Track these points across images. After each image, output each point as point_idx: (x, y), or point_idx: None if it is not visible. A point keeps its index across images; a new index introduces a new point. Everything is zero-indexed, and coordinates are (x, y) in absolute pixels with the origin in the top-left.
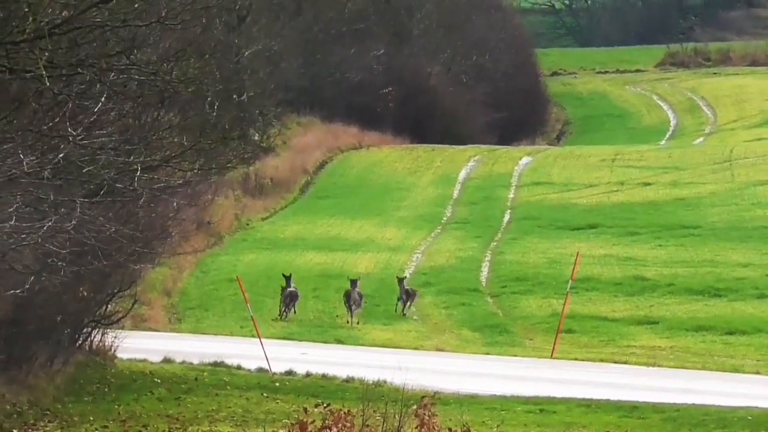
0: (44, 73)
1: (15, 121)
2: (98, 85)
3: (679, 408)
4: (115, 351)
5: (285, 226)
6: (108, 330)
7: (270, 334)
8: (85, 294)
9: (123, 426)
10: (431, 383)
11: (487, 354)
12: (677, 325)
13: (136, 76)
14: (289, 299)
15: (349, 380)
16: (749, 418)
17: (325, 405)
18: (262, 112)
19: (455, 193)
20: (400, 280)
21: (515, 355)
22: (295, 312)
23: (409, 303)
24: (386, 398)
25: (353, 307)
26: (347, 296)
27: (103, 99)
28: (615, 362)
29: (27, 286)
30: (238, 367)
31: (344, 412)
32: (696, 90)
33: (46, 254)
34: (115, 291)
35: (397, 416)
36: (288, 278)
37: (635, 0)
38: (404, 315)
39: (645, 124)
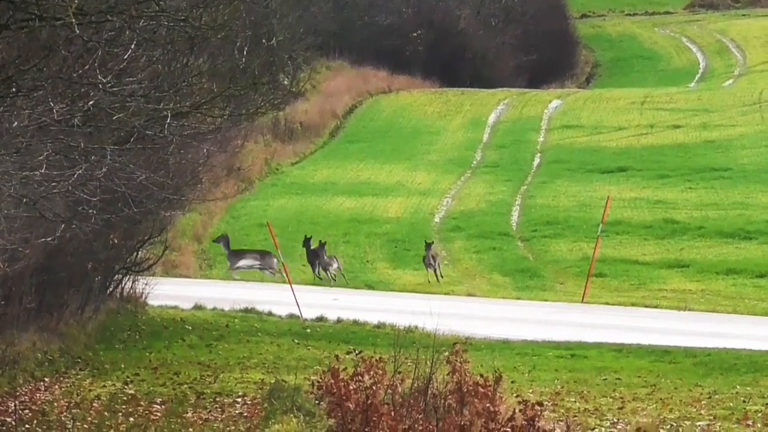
0: (74, 20)
1: (45, 69)
2: (128, 32)
3: (711, 352)
4: (146, 298)
5: (315, 171)
6: (139, 277)
7: (300, 280)
8: (116, 241)
9: (154, 373)
10: (462, 328)
11: (518, 299)
12: (708, 268)
13: (166, 23)
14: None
15: (380, 326)
16: None
17: (357, 351)
18: (292, 56)
19: (485, 137)
20: (428, 245)
21: (546, 300)
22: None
23: (433, 268)
24: (418, 344)
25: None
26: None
27: (132, 46)
28: (646, 306)
29: (58, 234)
30: (269, 314)
31: (376, 359)
32: (725, 32)
33: (76, 202)
34: (146, 238)
35: (428, 362)
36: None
37: None
38: (432, 281)
39: (674, 66)
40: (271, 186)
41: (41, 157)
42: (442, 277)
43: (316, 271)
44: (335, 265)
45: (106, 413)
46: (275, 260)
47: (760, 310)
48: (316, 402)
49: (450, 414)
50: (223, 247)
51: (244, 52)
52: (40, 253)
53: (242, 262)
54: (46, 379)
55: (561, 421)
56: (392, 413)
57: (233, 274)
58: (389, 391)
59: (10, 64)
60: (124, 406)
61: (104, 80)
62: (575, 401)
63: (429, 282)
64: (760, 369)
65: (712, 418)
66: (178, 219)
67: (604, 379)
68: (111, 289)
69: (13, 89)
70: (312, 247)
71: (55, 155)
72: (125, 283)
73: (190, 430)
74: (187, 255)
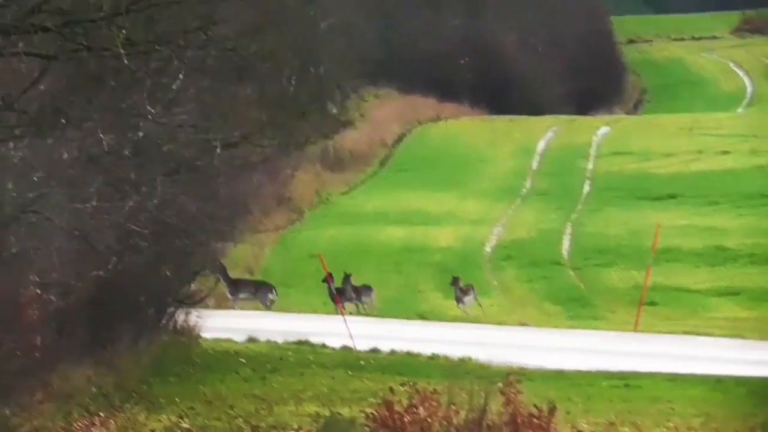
0: (122, 50)
1: (94, 100)
2: (176, 62)
3: (764, 381)
4: (199, 330)
5: (365, 201)
6: (192, 309)
7: (353, 310)
8: (168, 273)
9: (209, 407)
10: (515, 358)
11: (570, 328)
12: (760, 295)
13: (214, 52)
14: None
15: (433, 357)
16: None
17: (411, 383)
18: (340, 85)
19: (534, 164)
20: (455, 280)
21: (598, 329)
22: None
23: (466, 301)
24: (471, 375)
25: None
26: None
27: (181, 76)
28: (698, 334)
29: (110, 267)
30: (323, 346)
31: (430, 391)
32: None
33: (127, 234)
34: (198, 270)
35: (482, 394)
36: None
37: None
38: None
39: (722, 91)
40: (322, 216)
41: (92, 189)
42: (479, 305)
43: (342, 305)
44: (370, 296)
45: None
46: (269, 295)
47: None
48: None
49: None
50: (221, 278)
51: (292, 81)
52: (92, 286)
53: (241, 295)
54: (101, 414)
55: None
56: None
57: (233, 303)
58: (444, 423)
59: (59, 96)
60: None
61: (153, 110)
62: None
63: (467, 314)
64: None
65: None
66: (229, 250)
67: (658, 409)
68: (164, 321)
69: (63, 120)
70: (336, 286)
71: (105, 187)
72: (178, 316)
73: None
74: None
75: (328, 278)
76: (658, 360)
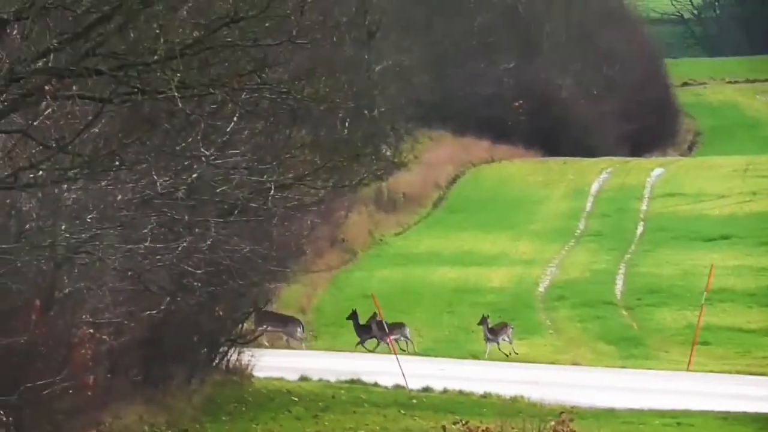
0: (176, 93)
1: (148, 142)
2: (230, 105)
3: None
4: (251, 369)
5: (418, 241)
6: (244, 349)
7: (405, 350)
8: (221, 313)
9: None
10: (567, 397)
11: (623, 367)
12: None
13: (268, 95)
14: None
15: (486, 396)
16: None
17: (463, 422)
18: (394, 127)
19: (588, 206)
20: (483, 319)
21: (651, 368)
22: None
23: (494, 342)
24: (523, 414)
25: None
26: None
27: (235, 118)
28: (751, 374)
29: (163, 307)
30: (375, 384)
31: (483, 429)
32: None
33: (181, 275)
34: (251, 310)
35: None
36: (354, 315)
37: (764, 8)
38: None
39: None
40: (375, 257)
41: (145, 230)
42: (516, 353)
43: (364, 344)
44: (401, 333)
45: None
46: (298, 328)
47: None
48: None
49: None
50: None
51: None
52: (146, 326)
53: (267, 326)
54: None
55: None
56: None
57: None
58: None
59: (113, 138)
60: None
61: (207, 153)
62: None
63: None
64: None
65: None
66: (282, 291)
67: None
68: (216, 361)
69: (117, 163)
70: (361, 323)
71: (159, 228)
72: (230, 355)
73: None
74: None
75: (353, 316)
76: (710, 399)
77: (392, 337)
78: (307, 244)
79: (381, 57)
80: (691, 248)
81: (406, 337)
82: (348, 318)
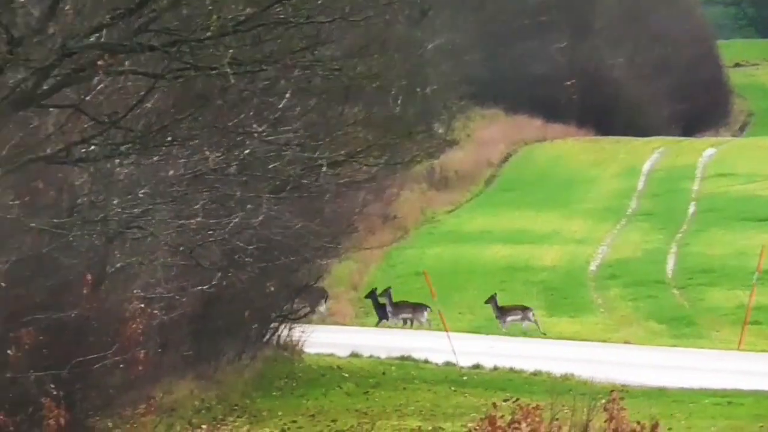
0: (229, 69)
1: (200, 118)
2: (282, 82)
3: None
4: (302, 345)
5: (470, 219)
6: (295, 325)
7: (457, 327)
8: (272, 289)
9: (312, 421)
10: (618, 376)
11: (674, 346)
12: None
13: (320, 72)
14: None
15: (536, 374)
16: None
17: (513, 399)
18: (446, 105)
19: (640, 185)
20: (491, 298)
21: (702, 347)
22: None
23: (506, 320)
24: (574, 391)
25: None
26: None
27: (287, 95)
28: None
29: (214, 282)
30: (426, 361)
31: (533, 407)
32: None
33: (232, 250)
34: (302, 286)
35: (585, 410)
36: (373, 293)
37: None
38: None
39: None
40: (427, 234)
41: (197, 206)
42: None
43: (382, 320)
44: (418, 316)
45: None
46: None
47: None
48: None
49: None
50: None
51: (399, 101)
52: (197, 302)
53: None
54: (203, 426)
55: None
56: None
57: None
58: None
59: (165, 114)
60: None
61: (259, 129)
62: None
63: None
64: None
65: None
66: (334, 267)
67: (761, 426)
68: (267, 336)
69: (169, 138)
70: (380, 302)
71: (210, 204)
72: (282, 331)
73: None
74: (343, 303)
75: (371, 295)
76: (760, 378)
77: (402, 316)
78: (359, 221)
79: (433, 35)
80: (742, 228)
81: (419, 321)
82: (366, 297)
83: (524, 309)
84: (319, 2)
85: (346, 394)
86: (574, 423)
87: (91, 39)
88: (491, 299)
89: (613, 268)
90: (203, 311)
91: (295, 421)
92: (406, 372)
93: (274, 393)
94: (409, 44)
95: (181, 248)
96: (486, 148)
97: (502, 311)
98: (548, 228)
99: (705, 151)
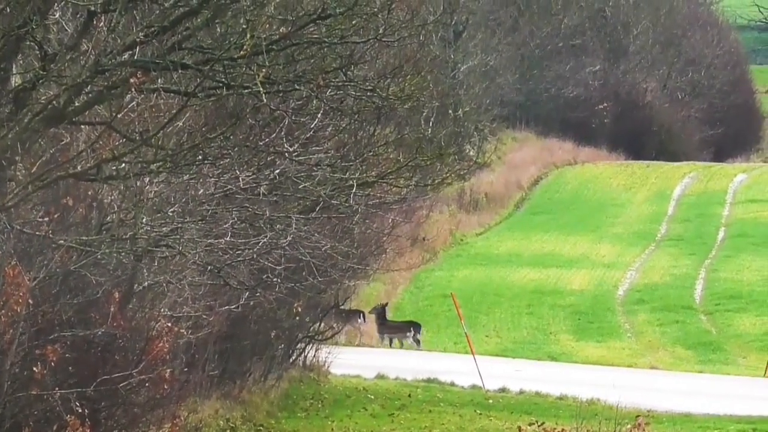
0: (261, 89)
1: (232, 137)
2: (315, 102)
3: None
4: (328, 367)
5: (499, 242)
6: (322, 346)
7: (483, 350)
8: (300, 310)
9: None
10: (644, 401)
11: (701, 372)
12: None
13: (353, 92)
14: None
15: (562, 398)
16: None
17: (539, 423)
18: (478, 127)
19: (670, 210)
20: (380, 307)
21: (728, 374)
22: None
23: (384, 335)
24: (600, 416)
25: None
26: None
27: (319, 115)
28: None
29: (242, 302)
30: (452, 384)
31: (558, 431)
32: None
33: (261, 270)
34: (330, 307)
35: None
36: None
37: None
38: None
39: None
40: (456, 256)
41: (226, 225)
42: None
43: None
44: (409, 336)
45: None
46: (410, 332)
47: None
48: None
49: None
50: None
51: (431, 123)
52: (224, 321)
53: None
54: None
55: None
56: None
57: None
58: None
59: (196, 132)
60: None
61: (290, 149)
62: None
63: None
64: None
65: None
66: (361, 288)
67: None
68: (294, 357)
69: (200, 157)
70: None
71: (240, 223)
72: (308, 352)
73: None
74: (370, 324)
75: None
76: None
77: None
78: (388, 243)
79: (467, 57)
80: None
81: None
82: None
83: (410, 325)
84: (354, 23)
85: (371, 416)
86: None
87: (124, 56)
88: (379, 309)
89: (641, 292)
90: (230, 331)
91: None
92: (432, 394)
93: (300, 414)
94: (442, 66)
95: (209, 267)
96: (516, 171)
97: (384, 326)
98: (577, 252)
99: (736, 176)
